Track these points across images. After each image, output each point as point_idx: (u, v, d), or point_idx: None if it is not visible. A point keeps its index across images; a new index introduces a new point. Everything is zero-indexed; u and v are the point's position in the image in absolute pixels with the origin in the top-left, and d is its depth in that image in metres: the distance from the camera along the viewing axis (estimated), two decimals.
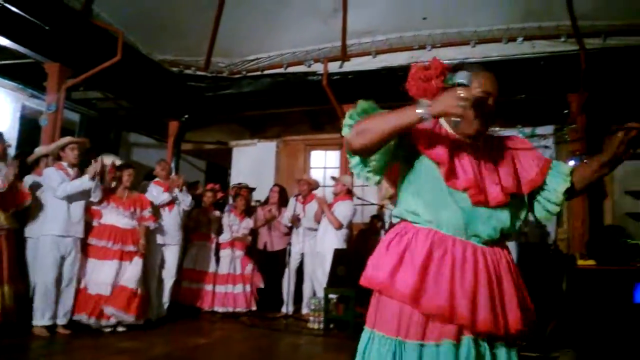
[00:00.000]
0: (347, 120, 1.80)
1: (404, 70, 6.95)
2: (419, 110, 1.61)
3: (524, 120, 7.50)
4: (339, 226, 6.42)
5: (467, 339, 1.64)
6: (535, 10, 6.57)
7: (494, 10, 6.70)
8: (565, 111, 7.05)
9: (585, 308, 5.09)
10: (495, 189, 1.73)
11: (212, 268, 6.62)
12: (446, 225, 1.71)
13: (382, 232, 7.30)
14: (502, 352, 1.73)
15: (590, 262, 5.20)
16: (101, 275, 5.14)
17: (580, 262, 5.26)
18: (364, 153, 1.74)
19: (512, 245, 6.57)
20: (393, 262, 1.71)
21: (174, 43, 7.57)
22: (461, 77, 1.67)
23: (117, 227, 5.34)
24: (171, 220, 6.06)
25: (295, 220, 6.74)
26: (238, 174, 9.14)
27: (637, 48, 6.29)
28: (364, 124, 1.71)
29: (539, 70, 6.66)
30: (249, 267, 6.81)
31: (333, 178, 6.98)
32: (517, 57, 6.67)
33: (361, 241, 7.49)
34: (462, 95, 1.55)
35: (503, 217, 1.75)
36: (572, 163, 6.69)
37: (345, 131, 1.78)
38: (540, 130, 7.40)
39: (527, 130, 7.41)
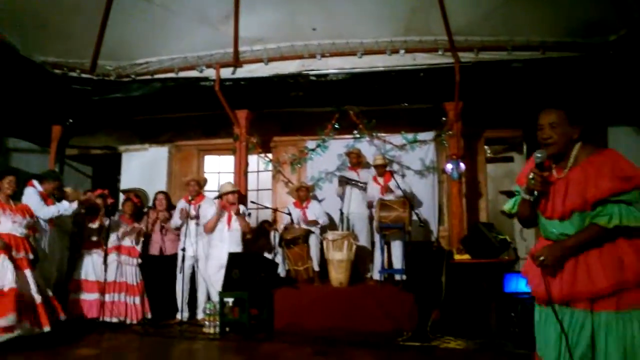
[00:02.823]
0: (506, 207, 2.82)
1: (295, 77, 7.25)
2: (522, 195, 2.59)
3: (407, 126, 8.01)
4: (249, 229, 6.58)
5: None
6: (416, 25, 7.04)
7: (379, 24, 7.09)
8: (443, 119, 7.64)
9: (463, 298, 5.58)
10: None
11: (101, 277, 6.41)
12: None
13: (274, 234, 7.46)
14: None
15: (466, 256, 5.69)
16: None
17: (457, 257, 5.74)
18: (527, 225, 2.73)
19: (397, 244, 7.03)
20: None
21: (57, 44, 7.22)
22: (536, 158, 2.47)
23: (13, 236, 5.19)
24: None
25: (186, 217, 6.69)
26: (128, 180, 8.88)
27: (505, 62, 6.98)
28: (519, 216, 2.70)
29: (419, 81, 7.18)
30: (139, 275, 6.66)
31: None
32: (400, 68, 7.14)
33: (253, 244, 7.61)
34: (530, 177, 2.47)
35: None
36: (450, 165, 7.29)
37: (506, 208, 2.80)
38: (421, 136, 7.94)
39: (410, 136, 7.93)
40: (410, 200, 7.10)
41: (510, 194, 8.37)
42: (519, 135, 8.13)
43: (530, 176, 2.44)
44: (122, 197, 7.88)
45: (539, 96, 7.03)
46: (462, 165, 7.42)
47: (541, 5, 6.47)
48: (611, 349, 2.23)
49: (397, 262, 7.09)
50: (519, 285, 5.51)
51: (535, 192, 2.48)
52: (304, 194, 7.52)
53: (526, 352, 4.79)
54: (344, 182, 7.45)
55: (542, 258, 2.40)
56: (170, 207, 7.18)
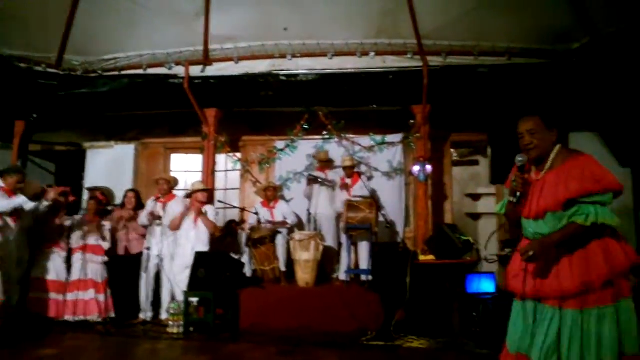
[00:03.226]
0: (497, 209, 3.01)
1: (265, 77, 7.23)
2: (506, 197, 2.80)
3: (375, 128, 8.08)
4: (215, 229, 6.58)
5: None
6: (386, 28, 7.10)
7: (350, 26, 7.13)
8: (411, 121, 7.73)
9: (426, 298, 5.66)
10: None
11: (63, 276, 6.28)
12: None
13: (241, 234, 7.43)
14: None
15: (430, 257, 5.77)
16: None
17: (422, 258, 5.82)
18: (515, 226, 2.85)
19: (364, 244, 7.08)
20: None
21: (22, 37, 7.05)
22: (517, 162, 2.68)
23: None
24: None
25: (154, 218, 6.62)
26: (93, 178, 8.71)
27: (472, 67, 7.11)
28: (507, 218, 2.90)
29: (388, 83, 7.25)
30: (104, 273, 6.55)
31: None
32: (370, 70, 7.20)
33: (220, 244, 7.56)
34: (512, 179, 2.72)
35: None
36: (417, 167, 7.38)
37: (497, 209, 2.99)
38: (389, 138, 8.02)
39: (378, 138, 8.00)
40: (377, 202, 7.17)
41: (475, 197, 8.58)
42: (484, 139, 8.28)
43: (512, 178, 2.65)
44: (86, 195, 7.74)
45: (504, 101, 7.19)
46: (428, 167, 7.52)
47: (508, 13, 6.60)
48: (573, 344, 2.39)
49: (364, 263, 7.14)
50: (481, 285, 5.63)
51: (518, 194, 2.64)
52: (272, 194, 7.52)
53: (488, 352, 4.90)
54: (312, 180, 7.46)
55: (530, 253, 2.51)
56: (140, 206, 7.07)
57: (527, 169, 2.72)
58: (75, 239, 6.46)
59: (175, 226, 6.56)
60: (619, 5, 6.08)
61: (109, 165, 8.85)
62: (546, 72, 6.93)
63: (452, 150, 8.93)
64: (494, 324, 5.12)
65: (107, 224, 6.68)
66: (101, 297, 6.42)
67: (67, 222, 6.45)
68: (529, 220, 2.65)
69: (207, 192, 6.79)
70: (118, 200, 7.60)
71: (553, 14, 6.49)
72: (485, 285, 5.64)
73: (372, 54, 7.20)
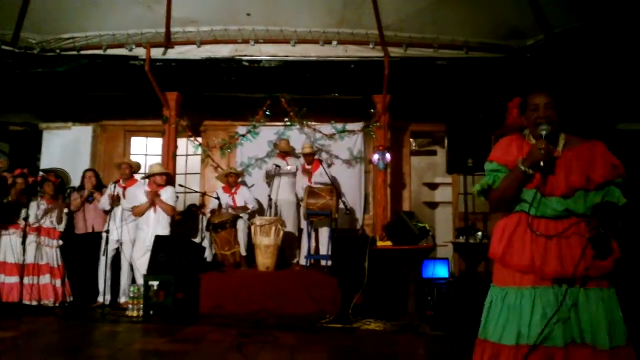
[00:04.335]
0: (479, 187, 2.60)
1: (227, 62, 7.20)
2: (521, 168, 2.42)
3: (336, 116, 8.19)
4: (173, 212, 6.54)
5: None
6: (349, 18, 7.18)
7: (313, 14, 7.17)
8: (372, 110, 7.88)
9: (384, 283, 5.85)
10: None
11: (19, 259, 6.18)
12: None
13: (201, 218, 7.46)
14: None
15: (388, 243, 5.95)
16: None
17: (380, 243, 5.99)
18: (503, 205, 2.56)
19: (324, 230, 7.22)
20: None
21: None
22: (542, 130, 2.42)
23: None
24: None
25: (115, 200, 6.58)
26: (49, 160, 8.52)
27: (431, 59, 7.29)
28: (499, 194, 2.53)
29: (350, 73, 7.37)
30: (60, 258, 6.47)
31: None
32: (332, 59, 7.29)
33: (181, 228, 7.57)
34: (540, 148, 2.37)
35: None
36: (376, 156, 7.54)
37: (477, 188, 2.61)
38: (350, 126, 8.16)
39: (339, 126, 8.12)
40: (337, 189, 7.31)
41: (433, 186, 8.80)
42: (442, 130, 8.51)
43: (540, 147, 2.39)
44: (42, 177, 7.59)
45: (461, 93, 7.42)
46: (388, 156, 7.70)
47: (467, 8, 6.78)
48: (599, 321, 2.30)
49: (324, 249, 7.29)
50: (436, 271, 5.85)
51: (542, 164, 2.38)
52: (234, 179, 7.55)
53: (441, 334, 5.14)
54: (274, 171, 7.52)
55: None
56: (100, 185, 7.00)
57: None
58: (30, 221, 6.35)
59: (139, 214, 6.53)
60: (573, 5, 6.36)
61: (66, 147, 8.66)
62: (501, 66, 7.19)
63: (411, 140, 9.16)
64: (448, 307, 5.36)
65: (62, 206, 6.59)
66: (57, 283, 6.36)
67: (26, 204, 6.34)
68: (550, 197, 2.42)
69: (164, 176, 6.75)
70: (76, 183, 7.48)
71: (510, 10, 6.71)
72: (440, 271, 5.88)
73: (335, 42, 7.27)
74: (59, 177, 7.15)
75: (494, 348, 2.38)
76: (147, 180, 6.87)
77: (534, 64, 7.01)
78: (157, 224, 6.50)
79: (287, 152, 7.88)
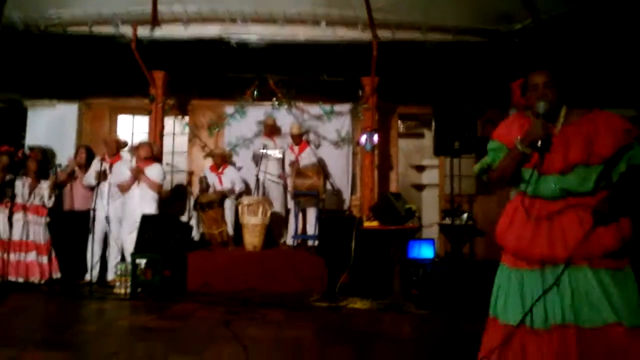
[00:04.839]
0: (478, 166, 2.67)
1: (215, 42, 7.15)
2: (518, 147, 2.43)
3: (324, 98, 8.21)
4: (158, 188, 6.53)
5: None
6: None
7: None
8: (360, 92, 7.91)
9: (369, 262, 5.94)
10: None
11: (5, 235, 6.16)
12: None
13: (189, 197, 7.47)
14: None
15: (374, 223, 6.03)
16: None
17: (366, 224, 6.07)
18: (502, 184, 2.66)
19: (312, 211, 7.28)
20: None
21: None
22: (539, 108, 2.42)
23: None
24: None
25: (102, 176, 6.54)
26: (34, 137, 8.44)
27: (419, 43, 7.32)
28: (497, 174, 2.58)
29: (338, 54, 7.35)
30: (46, 235, 6.46)
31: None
32: (321, 41, 7.27)
33: (168, 207, 7.58)
34: (538, 126, 2.38)
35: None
36: (364, 137, 7.59)
37: (477, 168, 2.68)
38: (338, 108, 8.19)
39: (327, 107, 8.15)
40: (325, 169, 7.35)
41: (420, 168, 8.86)
42: (429, 112, 8.57)
43: (538, 125, 2.39)
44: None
45: (448, 76, 7.46)
46: (375, 138, 7.74)
47: None
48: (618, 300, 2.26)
49: (311, 229, 7.36)
50: (421, 251, 5.95)
51: (539, 142, 2.37)
52: (219, 159, 7.56)
53: (425, 312, 5.25)
54: (262, 152, 7.54)
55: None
56: (89, 163, 6.97)
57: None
58: (17, 198, 6.33)
59: (126, 189, 6.52)
60: None
61: (51, 124, 8.59)
62: (489, 50, 7.24)
63: (398, 122, 9.21)
64: (432, 287, 5.46)
65: (47, 183, 6.56)
66: (44, 259, 6.35)
67: (11, 180, 6.29)
68: (547, 175, 2.40)
69: (148, 147, 6.72)
70: (61, 160, 7.41)
71: None
72: (425, 251, 5.96)
73: (323, 23, 7.26)
74: (44, 154, 7.09)
75: (505, 328, 2.41)
76: (134, 157, 6.85)
77: (520, 48, 7.06)
78: (141, 199, 6.46)
79: (273, 129, 7.89)
